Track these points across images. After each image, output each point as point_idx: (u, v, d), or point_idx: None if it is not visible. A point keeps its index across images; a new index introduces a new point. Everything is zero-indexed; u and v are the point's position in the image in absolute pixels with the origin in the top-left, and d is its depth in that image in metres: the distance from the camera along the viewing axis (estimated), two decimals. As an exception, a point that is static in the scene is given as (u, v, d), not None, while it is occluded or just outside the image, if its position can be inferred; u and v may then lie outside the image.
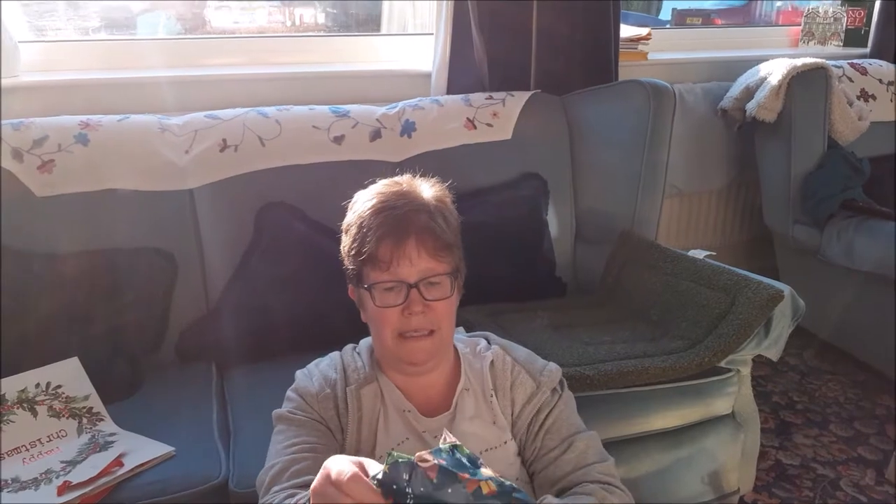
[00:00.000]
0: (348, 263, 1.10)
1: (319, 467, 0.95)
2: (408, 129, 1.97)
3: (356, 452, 1.07)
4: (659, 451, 1.58)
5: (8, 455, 1.33)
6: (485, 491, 0.72)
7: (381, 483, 0.73)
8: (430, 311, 1.05)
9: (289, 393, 1.13)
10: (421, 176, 1.14)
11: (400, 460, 0.72)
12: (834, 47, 3.07)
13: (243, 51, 2.26)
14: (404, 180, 1.12)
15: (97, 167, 1.70)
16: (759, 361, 1.79)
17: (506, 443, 1.12)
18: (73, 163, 1.68)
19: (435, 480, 0.71)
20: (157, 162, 1.75)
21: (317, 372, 1.13)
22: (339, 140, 1.89)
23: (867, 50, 2.99)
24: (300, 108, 1.93)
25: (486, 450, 1.10)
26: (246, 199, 1.78)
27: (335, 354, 1.17)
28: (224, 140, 1.81)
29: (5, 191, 1.61)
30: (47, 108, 1.81)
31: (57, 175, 1.66)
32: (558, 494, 1.07)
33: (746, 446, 1.70)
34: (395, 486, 0.72)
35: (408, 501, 0.71)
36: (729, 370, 1.62)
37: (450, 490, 0.71)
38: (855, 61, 2.75)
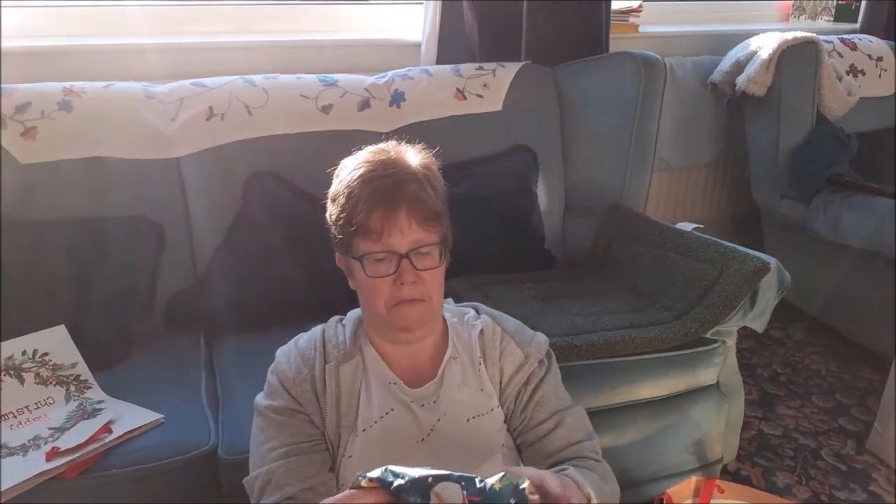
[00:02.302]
0: (336, 232, 1.08)
1: (297, 471, 1.03)
2: (397, 99, 1.95)
3: (337, 428, 1.08)
4: (644, 420, 1.60)
5: (-5, 421, 1.33)
6: None
7: None
8: (421, 280, 1.05)
9: (269, 375, 1.12)
10: (407, 142, 1.13)
11: None
12: (824, 22, 3.06)
13: (229, 18, 2.22)
14: (391, 147, 1.10)
15: (82, 134, 1.67)
16: (744, 334, 1.82)
17: (492, 410, 1.13)
18: (57, 130, 1.66)
19: None
20: (143, 130, 1.73)
21: (295, 351, 1.12)
22: (327, 109, 1.87)
23: (857, 25, 2.99)
24: (288, 76, 1.91)
25: (474, 417, 1.11)
26: (233, 168, 1.77)
27: (316, 329, 1.16)
28: (210, 108, 1.78)
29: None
30: (29, 75, 1.78)
31: (41, 142, 1.64)
32: (550, 468, 1.09)
33: (730, 416, 1.72)
34: None
35: None
36: (715, 341, 1.63)
37: None
38: (845, 36, 2.75)
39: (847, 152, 2.48)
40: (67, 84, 1.72)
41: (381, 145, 1.11)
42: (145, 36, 2.06)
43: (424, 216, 1.04)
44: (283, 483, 1.02)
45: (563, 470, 1.03)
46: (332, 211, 1.09)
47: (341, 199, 1.06)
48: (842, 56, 2.65)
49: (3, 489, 1.15)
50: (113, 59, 1.97)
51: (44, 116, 1.66)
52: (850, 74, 2.63)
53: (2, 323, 1.47)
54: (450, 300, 1.31)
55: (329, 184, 1.12)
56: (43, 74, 1.78)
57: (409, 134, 1.26)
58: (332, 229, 1.09)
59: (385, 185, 1.03)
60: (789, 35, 2.44)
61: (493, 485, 0.76)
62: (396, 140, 1.13)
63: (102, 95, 1.74)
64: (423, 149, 1.13)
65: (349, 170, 1.08)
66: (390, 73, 2.01)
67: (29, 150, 1.63)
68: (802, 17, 3.06)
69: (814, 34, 2.48)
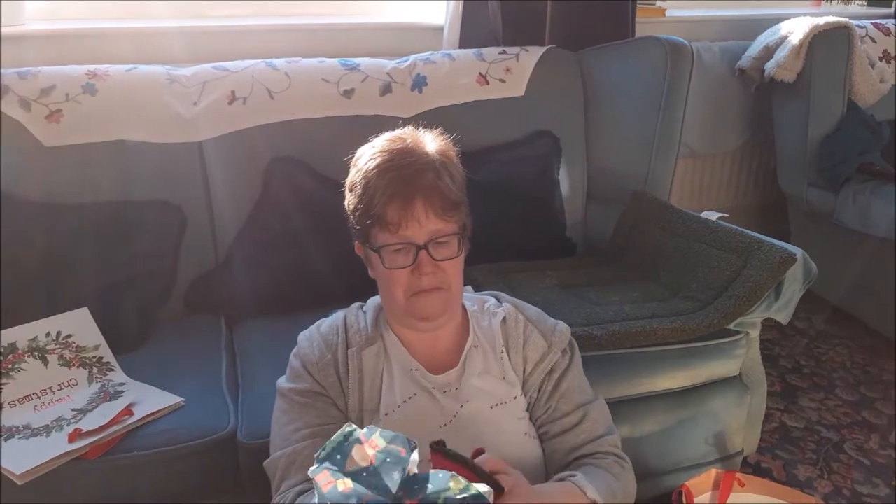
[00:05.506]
0: (354, 222, 1.08)
1: None
2: (419, 83, 1.94)
3: (360, 412, 1.08)
4: (665, 412, 1.59)
5: (19, 402, 1.35)
6: None
7: None
8: (439, 270, 1.04)
9: (291, 359, 1.13)
10: (424, 127, 1.11)
11: None
12: (857, 6, 2.99)
13: (252, 2, 2.21)
14: (408, 135, 1.09)
15: (105, 118, 1.68)
16: (767, 325, 1.79)
17: (515, 398, 1.12)
18: (81, 113, 1.66)
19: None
20: (166, 113, 1.73)
21: (318, 336, 1.13)
22: (348, 94, 1.86)
23: (892, 10, 2.92)
24: (310, 60, 1.90)
25: (496, 405, 1.11)
26: (255, 152, 1.77)
27: (339, 315, 1.17)
28: (233, 92, 1.78)
29: (13, 140, 1.60)
30: (54, 58, 1.79)
31: (65, 125, 1.65)
32: (572, 462, 1.10)
33: (752, 408, 1.70)
34: None
35: None
36: (738, 332, 1.61)
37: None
38: (879, 21, 2.68)
39: (878, 141, 2.42)
40: (91, 67, 1.73)
41: (398, 132, 1.10)
42: (169, 19, 2.06)
43: (442, 206, 1.03)
44: (311, 461, 1.02)
45: (571, 477, 1.03)
46: (349, 200, 1.09)
47: (358, 190, 1.06)
48: (875, 42, 2.59)
49: (26, 469, 1.16)
50: (137, 43, 1.97)
51: (68, 99, 1.66)
52: (883, 61, 2.57)
53: (26, 305, 1.49)
54: (469, 288, 1.30)
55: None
56: (68, 57, 1.79)
57: (431, 119, 1.25)
58: (350, 219, 1.09)
59: (401, 175, 1.02)
60: (821, 20, 2.39)
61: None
62: (413, 126, 1.12)
63: (126, 79, 1.74)
64: (441, 134, 1.11)
65: (365, 159, 1.07)
66: (412, 58, 1.99)
67: (53, 133, 1.64)
68: (835, 2, 2.99)
69: (846, 19, 2.43)
